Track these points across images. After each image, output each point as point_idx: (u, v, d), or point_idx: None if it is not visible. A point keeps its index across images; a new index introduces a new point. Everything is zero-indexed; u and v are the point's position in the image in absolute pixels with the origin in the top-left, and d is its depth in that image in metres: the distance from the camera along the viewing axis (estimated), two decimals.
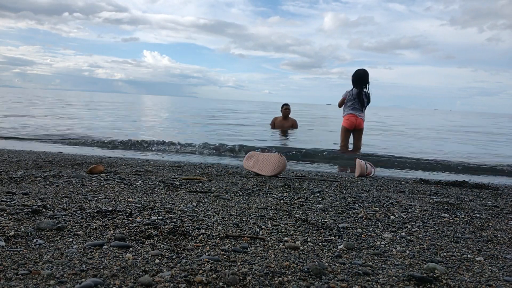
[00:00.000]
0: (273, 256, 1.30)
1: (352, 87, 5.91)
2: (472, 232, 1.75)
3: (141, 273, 1.09)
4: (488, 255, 1.45)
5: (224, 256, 1.27)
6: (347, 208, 2.09)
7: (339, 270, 1.21)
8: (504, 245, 1.59)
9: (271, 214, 1.88)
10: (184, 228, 1.54)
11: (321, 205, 2.13)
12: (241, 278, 1.09)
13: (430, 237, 1.64)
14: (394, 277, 1.17)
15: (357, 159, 3.64)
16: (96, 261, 1.16)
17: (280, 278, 1.11)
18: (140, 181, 2.61)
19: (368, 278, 1.16)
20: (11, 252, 1.19)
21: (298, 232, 1.60)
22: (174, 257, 1.24)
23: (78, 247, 1.27)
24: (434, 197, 2.61)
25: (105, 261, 1.17)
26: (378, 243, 1.52)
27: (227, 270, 1.14)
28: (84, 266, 1.12)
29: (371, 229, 1.71)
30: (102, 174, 2.84)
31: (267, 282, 1.08)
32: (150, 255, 1.24)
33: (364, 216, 1.94)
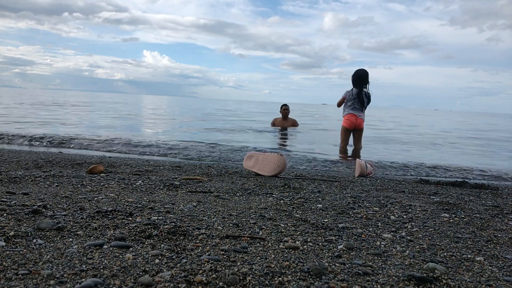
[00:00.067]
0: (273, 256, 1.30)
1: (352, 87, 5.91)
2: (472, 232, 1.75)
3: (141, 273, 1.09)
4: (488, 255, 1.45)
5: (224, 256, 1.27)
6: (347, 208, 2.09)
7: (339, 270, 1.21)
8: (504, 245, 1.59)
9: (271, 214, 1.88)
10: (184, 228, 1.54)
11: (321, 205, 2.13)
12: (241, 278, 1.09)
13: (430, 237, 1.64)
14: (394, 277, 1.17)
15: (357, 159, 3.64)
16: (96, 261, 1.16)
17: (280, 278, 1.11)
18: (140, 181, 2.61)
19: (368, 278, 1.16)
20: (11, 252, 1.19)
21: (298, 232, 1.60)
22: (174, 257, 1.24)
23: (78, 247, 1.27)
24: (434, 197, 2.61)
25: (105, 261, 1.17)
26: (378, 243, 1.52)
27: (227, 270, 1.14)
28: (84, 266, 1.12)
29: (371, 229, 1.71)
30: (102, 174, 2.84)
31: (267, 282, 1.08)
32: (150, 255, 1.24)
33: (364, 216, 1.94)
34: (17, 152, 4.14)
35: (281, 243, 1.44)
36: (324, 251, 1.39)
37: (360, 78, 5.86)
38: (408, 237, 1.62)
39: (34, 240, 1.31)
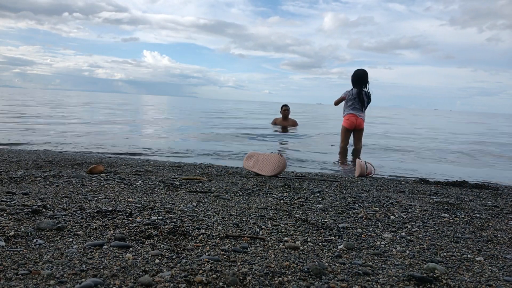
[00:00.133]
0: (273, 256, 1.30)
1: (352, 87, 5.92)
2: (472, 232, 1.75)
3: (141, 273, 1.09)
4: (488, 255, 1.45)
5: (224, 256, 1.27)
6: (347, 208, 2.09)
7: (339, 270, 1.21)
8: (504, 245, 1.59)
9: (271, 214, 1.88)
10: (184, 228, 1.54)
11: (321, 205, 2.13)
12: (241, 278, 1.09)
13: (430, 237, 1.64)
14: (394, 277, 1.17)
15: (357, 159, 3.64)
16: (96, 261, 1.16)
17: (280, 278, 1.11)
18: (140, 181, 2.61)
19: (368, 278, 1.16)
20: (11, 252, 1.19)
21: (298, 232, 1.60)
22: (174, 257, 1.24)
23: (78, 247, 1.27)
24: (434, 197, 2.61)
25: (105, 261, 1.17)
26: (378, 243, 1.52)
27: (227, 270, 1.14)
28: (84, 266, 1.12)
29: (371, 229, 1.71)
30: (102, 174, 2.84)
31: (267, 282, 1.08)
32: (150, 255, 1.24)
33: (364, 216, 1.94)
34: (17, 152, 4.14)
35: (281, 243, 1.44)
36: (324, 251, 1.39)
37: (360, 78, 5.86)
38: (408, 237, 1.62)
39: (34, 240, 1.31)
